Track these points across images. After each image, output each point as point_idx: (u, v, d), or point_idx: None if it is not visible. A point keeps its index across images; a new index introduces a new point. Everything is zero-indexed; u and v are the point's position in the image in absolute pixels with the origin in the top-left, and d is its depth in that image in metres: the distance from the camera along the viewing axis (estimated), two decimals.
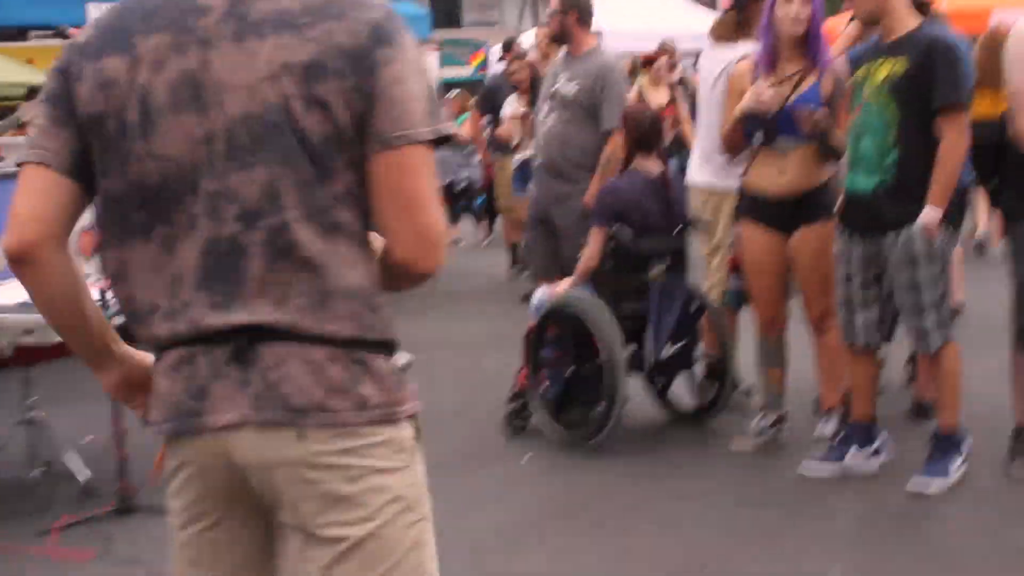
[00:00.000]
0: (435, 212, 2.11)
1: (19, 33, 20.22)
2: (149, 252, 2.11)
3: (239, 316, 2.07)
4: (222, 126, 2.05)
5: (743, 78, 5.59)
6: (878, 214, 5.05)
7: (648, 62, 11.32)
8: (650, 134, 6.00)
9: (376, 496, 2.10)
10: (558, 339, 5.99)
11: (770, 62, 5.44)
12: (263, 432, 2.07)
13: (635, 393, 6.04)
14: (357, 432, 2.10)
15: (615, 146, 6.22)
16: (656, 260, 5.88)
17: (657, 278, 5.86)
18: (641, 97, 10.19)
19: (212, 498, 2.17)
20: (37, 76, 17.98)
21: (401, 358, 7.19)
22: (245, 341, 2.07)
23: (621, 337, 5.74)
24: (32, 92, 11.91)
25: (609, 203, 5.89)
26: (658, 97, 10.65)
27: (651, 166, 5.97)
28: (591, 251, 5.91)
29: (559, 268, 6.40)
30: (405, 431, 2.19)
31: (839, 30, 6.45)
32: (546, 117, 6.60)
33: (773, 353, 5.80)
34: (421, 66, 2.14)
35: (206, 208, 2.06)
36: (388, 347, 2.23)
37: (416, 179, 2.08)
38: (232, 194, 2.05)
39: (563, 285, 6.03)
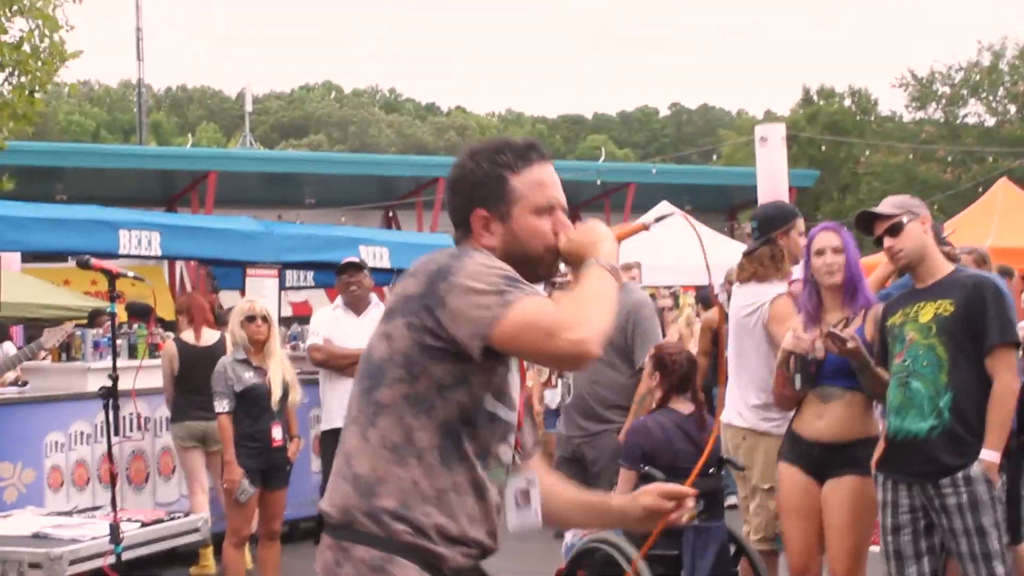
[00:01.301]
0: None
1: (58, 256, 20.64)
2: None
3: None
4: None
5: (784, 314, 5.60)
6: (933, 458, 4.88)
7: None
8: (686, 375, 5.91)
9: None
10: None
11: (814, 312, 5.44)
12: None
13: None
14: None
15: (648, 384, 6.11)
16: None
17: (690, 520, 5.68)
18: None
19: None
20: (70, 298, 18.33)
21: None
22: None
23: None
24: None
25: (637, 443, 5.78)
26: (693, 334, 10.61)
27: (684, 406, 5.86)
28: (621, 492, 5.74)
29: None
30: None
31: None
32: None
33: None
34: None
35: None
36: (375, 540, 2.65)
37: None
38: None
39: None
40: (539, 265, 2.85)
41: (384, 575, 2.63)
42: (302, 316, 16.55)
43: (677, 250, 16.92)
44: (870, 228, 5.20)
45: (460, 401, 2.68)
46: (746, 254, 6.29)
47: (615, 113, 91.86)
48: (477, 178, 2.84)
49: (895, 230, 5.08)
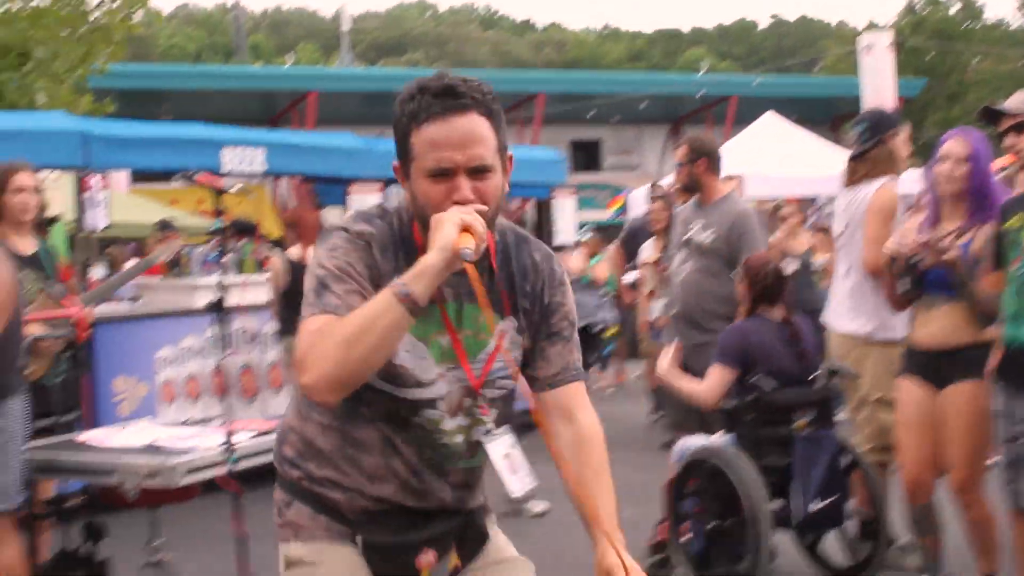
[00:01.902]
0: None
1: (164, 176, 20.87)
2: None
3: None
4: None
5: (887, 204, 5.47)
6: None
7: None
8: (772, 286, 5.83)
9: None
10: (700, 491, 5.77)
11: (934, 218, 5.30)
12: None
13: (783, 549, 5.76)
14: None
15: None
16: (799, 411, 5.66)
17: (801, 430, 5.63)
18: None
19: None
20: (180, 217, 18.56)
21: (537, 506, 7.05)
22: None
23: (766, 491, 5.50)
24: (164, 228, 12.20)
25: (735, 343, 5.73)
26: (798, 245, 10.43)
27: (775, 314, 5.79)
28: (708, 388, 5.79)
29: (698, 418, 6.20)
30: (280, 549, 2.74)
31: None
32: (681, 266, 6.45)
33: (923, 521, 5.52)
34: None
35: None
36: (283, 483, 2.75)
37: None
38: None
39: (689, 384, 5.96)
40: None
41: (284, 517, 2.73)
42: None
43: (780, 160, 16.68)
44: (995, 121, 5.02)
45: None
46: (853, 157, 6.19)
47: (713, 27, 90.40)
48: (393, 126, 2.57)
49: (1022, 127, 4.92)
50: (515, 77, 37.73)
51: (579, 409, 2.76)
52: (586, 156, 36.04)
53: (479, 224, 2.39)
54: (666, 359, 6.09)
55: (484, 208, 2.47)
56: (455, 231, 2.36)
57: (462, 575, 2.78)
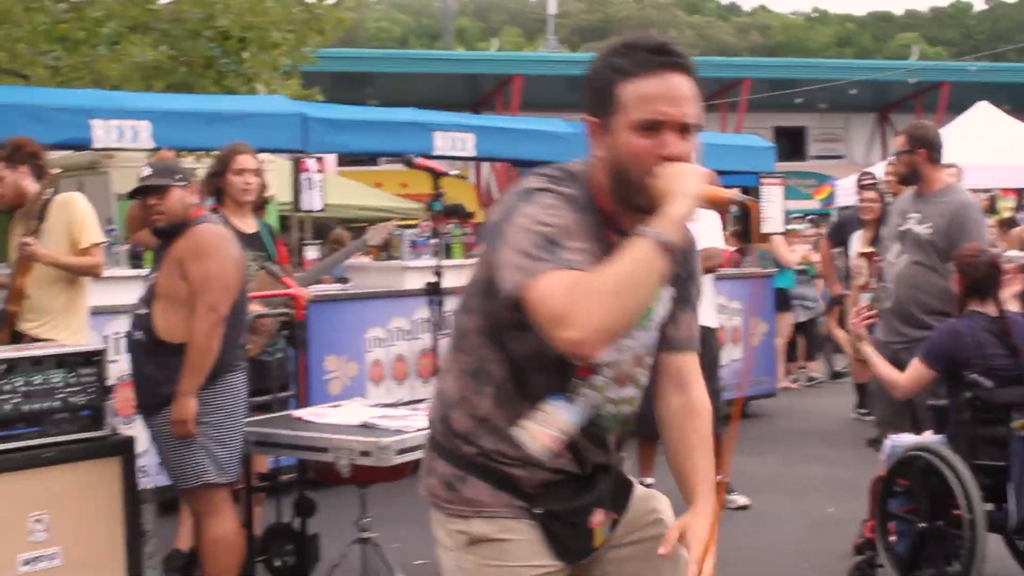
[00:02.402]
0: None
1: (369, 159, 21.34)
2: None
3: None
4: None
5: None
6: None
7: None
8: (985, 279, 5.63)
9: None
10: (909, 491, 5.64)
11: None
12: None
13: (994, 555, 5.60)
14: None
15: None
16: (1017, 410, 5.48)
17: (1020, 430, 5.45)
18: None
19: None
20: (384, 199, 18.95)
21: (739, 500, 7.01)
22: None
23: (980, 493, 5.35)
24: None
25: (943, 346, 5.56)
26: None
27: (989, 310, 5.61)
28: (906, 380, 5.68)
29: (908, 416, 6.06)
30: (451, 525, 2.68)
31: None
32: (897, 258, 6.30)
33: None
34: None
35: None
36: (451, 456, 2.68)
37: None
38: None
39: (887, 370, 5.78)
40: (637, 193, 2.47)
41: (454, 493, 2.66)
42: None
43: (995, 150, 16.18)
44: None
45: (526, 344, 2.53)
46: None
47: (927, 9, 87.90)
48: (591, 80, 2.55)
49: None
50: (720, 62, 37.34)
51: (693, 380, 2.85)
52: (791, 144, 35.47)
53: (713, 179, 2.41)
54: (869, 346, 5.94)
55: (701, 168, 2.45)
56: (699, 181, 2.38)
57: (620, 526, 2.80)
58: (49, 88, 12.00)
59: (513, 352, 2.58)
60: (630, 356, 2.65)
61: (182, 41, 13.91)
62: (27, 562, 4.56)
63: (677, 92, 2.45)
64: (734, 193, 2.39)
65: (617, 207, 2.55)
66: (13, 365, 4.69)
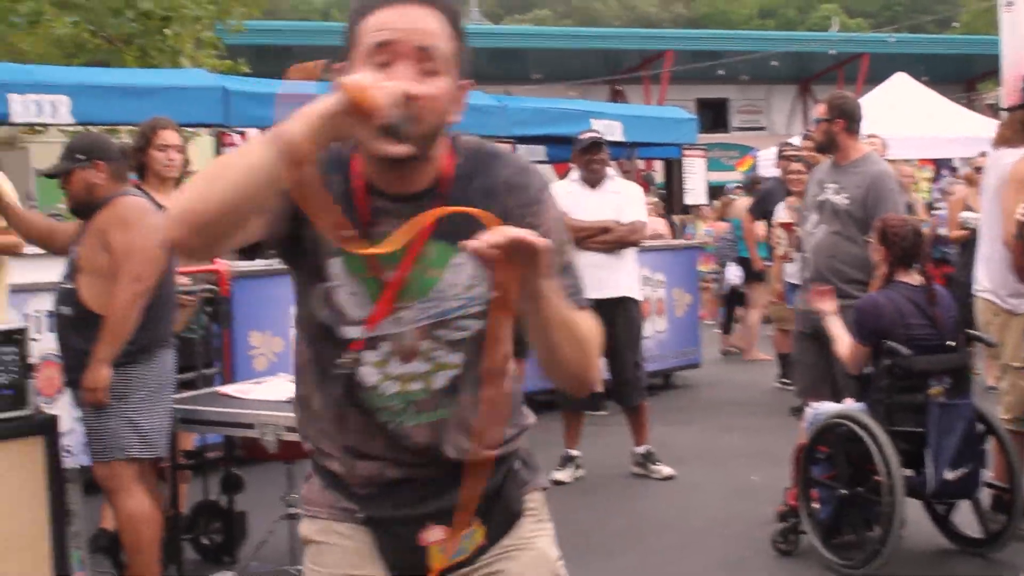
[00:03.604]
0: None
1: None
2: None
3: None
4: None
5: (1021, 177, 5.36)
6: None
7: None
8: (911, 249, 5.73)
9: None
10: (830, 458, 5.74)
11: None
12: None
13: (913, 519, 5.71)
14: None
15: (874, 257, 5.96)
16: (935, 378, 5.58)
17: (937, 397, 5.56)
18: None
19: None
20: None
21: (664, 470, 7.07)
22: None
23: (898, 459, 5.45)
24: None
25: (866, 321, 5.65)
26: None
27: (913, 280, 5.71)
28: (850, 361, 5.76)
29: (829, 384, 6.15)
30: None
31: None
32: (815, 228, 6.37)
33: None
34: None
35: None
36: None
37: None
38: None
39: (841, 338, 5.86)
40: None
41: (306, 487, 2.49)
42: None
43: (913, 122, 16.39)
44: None
45: (302, 310, 2.35)
46: (1011, 108, 6.08)
47: None
48: (344, 31, 2.25)
49: None
50: (643, 34, 37.48)
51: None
52: (713, 115, 35.72)
53: (393, 91, 2.03)
54: (827, 303, 6.01)
55: (424, 93, 2.12)
56: (365, 82, 2.00)
57: (486, 557, 2.42)
58: None
59: (299, 323, 2.39)
60: (412, 329, 2.28)
61: (103, 18, 13.76)
62: None
63: (411, 17, 2.15)
64: (387, 95, 2.00)
65: (369, 164, 2.24)
66: None
